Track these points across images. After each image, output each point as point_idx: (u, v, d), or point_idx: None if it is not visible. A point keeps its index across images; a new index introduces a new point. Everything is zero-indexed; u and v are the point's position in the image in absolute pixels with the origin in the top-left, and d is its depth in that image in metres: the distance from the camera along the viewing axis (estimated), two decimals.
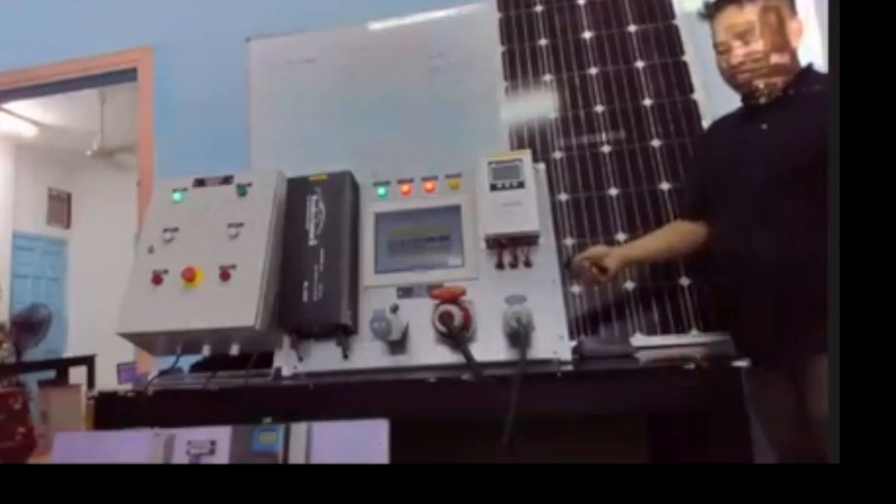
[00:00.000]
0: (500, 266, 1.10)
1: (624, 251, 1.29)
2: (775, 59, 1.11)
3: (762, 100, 1.16)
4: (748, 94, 1.18)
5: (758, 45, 1.12)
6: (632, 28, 1.69)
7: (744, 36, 1.13)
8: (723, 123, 1.30)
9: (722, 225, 1.21)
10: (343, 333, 1.07)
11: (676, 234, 1.32)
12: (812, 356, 1.01)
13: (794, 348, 1.06)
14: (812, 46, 1.69)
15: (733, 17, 1.14)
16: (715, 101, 1.55)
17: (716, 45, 1.20)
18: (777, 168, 1.09)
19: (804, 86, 1.13)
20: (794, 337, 1.06)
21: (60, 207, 5.84)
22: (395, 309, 1.07)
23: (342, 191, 1.16)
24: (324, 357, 1.08)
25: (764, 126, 1.15)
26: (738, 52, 1.14)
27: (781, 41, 1.12)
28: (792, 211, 1.07)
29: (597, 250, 1.26)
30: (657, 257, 1.35)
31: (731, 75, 1.18)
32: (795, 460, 1.15)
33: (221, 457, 0.83)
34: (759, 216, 1.11)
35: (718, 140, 1.29)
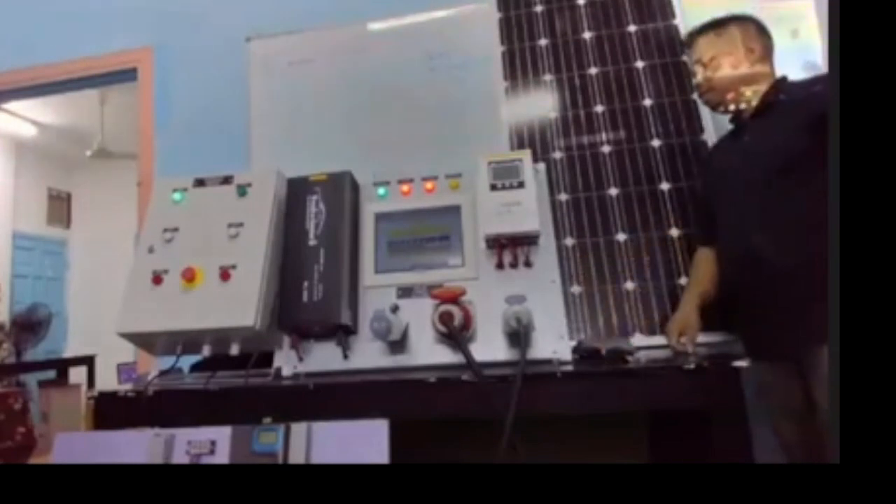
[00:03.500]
0: (500, 266, 1.10)
1: (698, 301, 1.28)
2: (733, 78, 1.25)
3: (743, 115, 1.26)
4: (733, 115, 1.30)
5: (716, 71, 1.28)
6: (632, 28, 1.69)
7: (702, 62, 1.31)
8: (717, 145, 1.42)
9: (721, 231, 1.29)
10: (343, 333, 1.07)
11: (711, 266, 1.34)
12: (816, 346, 1.03)
13: (795, 337, 1.08)
14: (812, 46, 1.70)
15: (697, 46, 1.33)
16: None
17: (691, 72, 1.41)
18: (761, 172, 1.18)
19: (778, 96, 1.22)
20: (793, 325, 1.10)
21: (60, 207, 5.85)
22: (395, 309, 1.07)
23: (342, 191, 1.16)
24: (324, 357, 1.08)
25: (746, 138, 1.25)
26: (699, 76, 1.32)
27: (745, 63, 1.26)
28: (781, 209, 1.15)
29: (677, 326, 1.25)
30: (713, 293, 1.33)
31: (699, 93, 1.37)
32: (803, 457, 1.16)
33: (221, 457, 0.83)
34: (752, 218, 1.19)
35: (713, 160, 1.40)
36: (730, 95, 1.25)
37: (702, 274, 1.34)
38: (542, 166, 1.24)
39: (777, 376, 1.19)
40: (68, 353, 5.13)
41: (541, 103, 1.67)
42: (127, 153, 4.68)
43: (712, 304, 1.31)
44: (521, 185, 1.11)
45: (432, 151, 1.79)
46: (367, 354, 1.08)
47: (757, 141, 1.22)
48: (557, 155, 1.60)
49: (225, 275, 1.05)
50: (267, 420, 0.84)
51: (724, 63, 1.26)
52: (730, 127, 1.35)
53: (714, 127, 1.54)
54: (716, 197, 1.32)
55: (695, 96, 1.57)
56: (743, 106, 1.25)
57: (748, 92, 1.23)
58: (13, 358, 3.83)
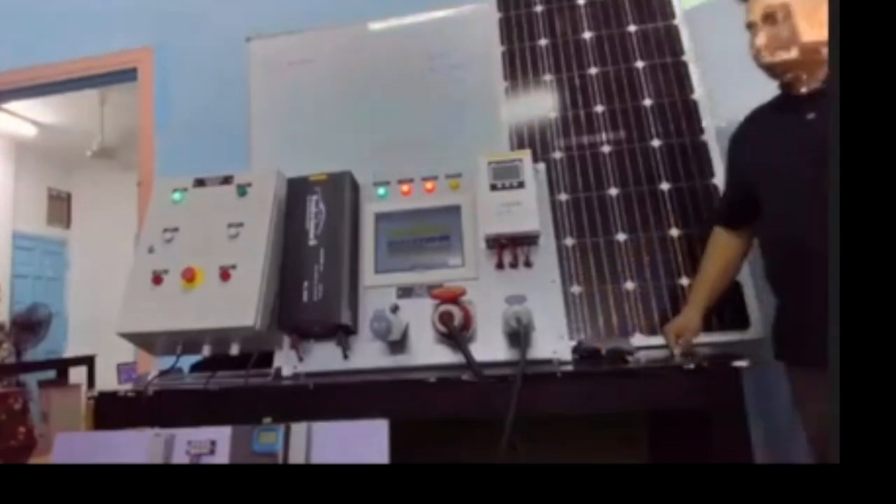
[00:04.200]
0: (500, 266, 1.10)
1: (705, 302, 1.23)
2: (800, 43, 1.05)
3: (803, 89, 1.11)
4: (788, 84, 1.13)
5: (784, 29, 1.07)
6: (632, 28, 1.69)
7: (770, 18, 1.09)
8: (759, 116, 1.23)
9: (770, 217, 1.16)
10: (343, 333, 1.07)
11: (727, 254, 1.26)
12: None
13: None
14: None
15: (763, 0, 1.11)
16: (715, 100, 1.56)
17: (746, 27, 1.15)
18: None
19: None
20: None
21: (60, 207, 5.85)
22: (395, 309, 1.07)
23: (342, 191, 1.16)
24: (324, 357, 1.08)
25: (811, 116, 1.09)
26: (762, 34, 1.10)
27: (810, 27, 1.06)
28: None
29: (675, 328, 1.20)
30: (724, 289, 1.27)
31: (754, 56, 1.13)
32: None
33: (221, 457, 0.83)
34: (812, 207, 1.02)
35: (758, 133, 1.21)
36: (767, 72, 1.11)
37: (715, 268, 1.25)
38: (542, 166, 1.24)
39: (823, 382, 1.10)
40: (68, 353, 5.13)
41: (541, 103, 1.67)
42: (127, 153, 4.70)
43: (721, 302, 1.25)
44: (521, 185, 1.11)
45: (432, 151, 1.79)
46: (367, 354, 1.08)
47: (826, 121, 1.06)
48: (557, 155, 1.60)
49: (225, 275, 1.05)
50: (267, 420, 0.84)
51: (763, 30, 1.09)
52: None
53: (714, 127, 1.54)
54: (762, 174, 1.16)
55: (695, 96, 1.57)
56: (807, 79, 1.09)
57: (788, 74, 1.09)
58: (13, 358, 3.83)
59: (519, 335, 0.95)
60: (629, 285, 1.42)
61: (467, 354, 0.90)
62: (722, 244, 1.28)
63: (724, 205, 1.32)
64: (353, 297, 1.10)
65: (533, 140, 1.63)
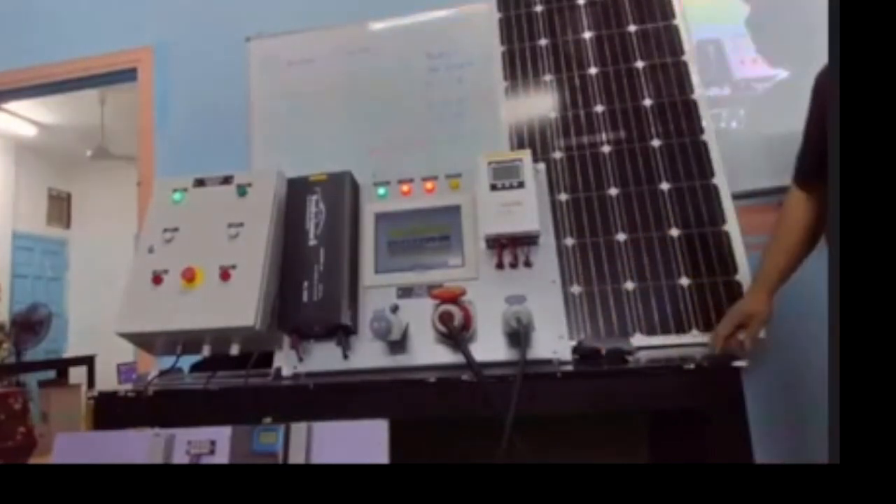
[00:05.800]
0: (500, 266, 1.10)
1: (769, 287, 1.09)
2: None
3: None
4: None
5: None
6: (632, 28, 1.69)
7: None
8: None
9: None
10: (343, 333, 1.07)
11: (796, 215, 1.10)
12: None
13: None
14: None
15: None
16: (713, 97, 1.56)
17: None
18: None
19: None
20: None
21: (60, 207, 5.85)
22: (395, 309, 1.07)
23: (342, 191, 1.16)
24: (324, 357, 1.08)
25: None
26: None
27: None
28: None
29: (734, 319, 1.10)
30: (798, 261, 1.12)
31: None
32: None
33: (221, 457, 0.83)
34: None
35: None
36: None
37: (785, 239, 1.10)
38: (542, 166, 1.24)
39: None
40: (68, 353, 5.14)
41: (541, 103, 1.67)
42: (127, 153, 4.69)
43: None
44: (521, 185, 1.11)
45: (433, 151, 1.79)
46: (367, 354, 1.08)
47: None
48: (557, 155, 1.60)
49: (225, 275, 1.05)
50: (267, 420, 0.84)
51: None
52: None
53: (714, 127, 1.54)
54: None
55: (695, 96, 1.57)
56: None
57: None
58: (13, 358, 3.83)
59: (519, 335, 0.95)
60: (629, 285, 1.42)
61: (467, 354, 0.90)
62: (792, 208, 1.12)
63: (800, 156, 1.14)
64: (353, 297, 1.10)
65: (533, 140, 1.63)
